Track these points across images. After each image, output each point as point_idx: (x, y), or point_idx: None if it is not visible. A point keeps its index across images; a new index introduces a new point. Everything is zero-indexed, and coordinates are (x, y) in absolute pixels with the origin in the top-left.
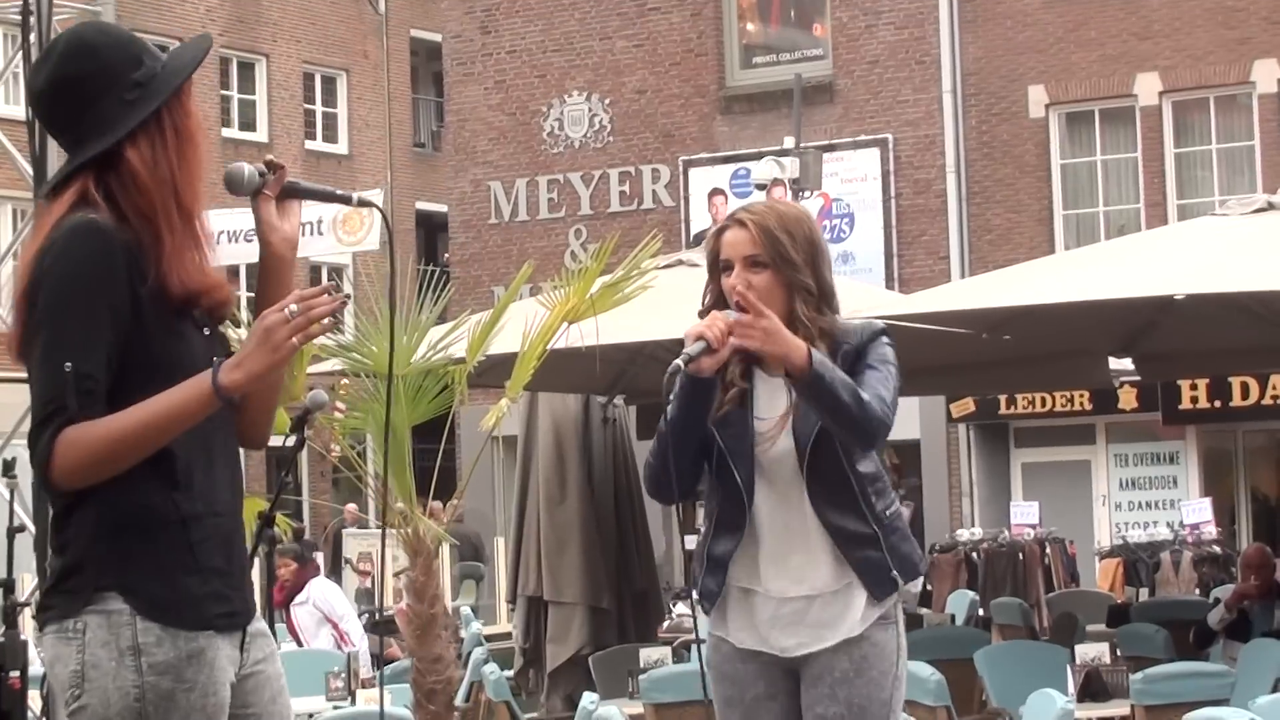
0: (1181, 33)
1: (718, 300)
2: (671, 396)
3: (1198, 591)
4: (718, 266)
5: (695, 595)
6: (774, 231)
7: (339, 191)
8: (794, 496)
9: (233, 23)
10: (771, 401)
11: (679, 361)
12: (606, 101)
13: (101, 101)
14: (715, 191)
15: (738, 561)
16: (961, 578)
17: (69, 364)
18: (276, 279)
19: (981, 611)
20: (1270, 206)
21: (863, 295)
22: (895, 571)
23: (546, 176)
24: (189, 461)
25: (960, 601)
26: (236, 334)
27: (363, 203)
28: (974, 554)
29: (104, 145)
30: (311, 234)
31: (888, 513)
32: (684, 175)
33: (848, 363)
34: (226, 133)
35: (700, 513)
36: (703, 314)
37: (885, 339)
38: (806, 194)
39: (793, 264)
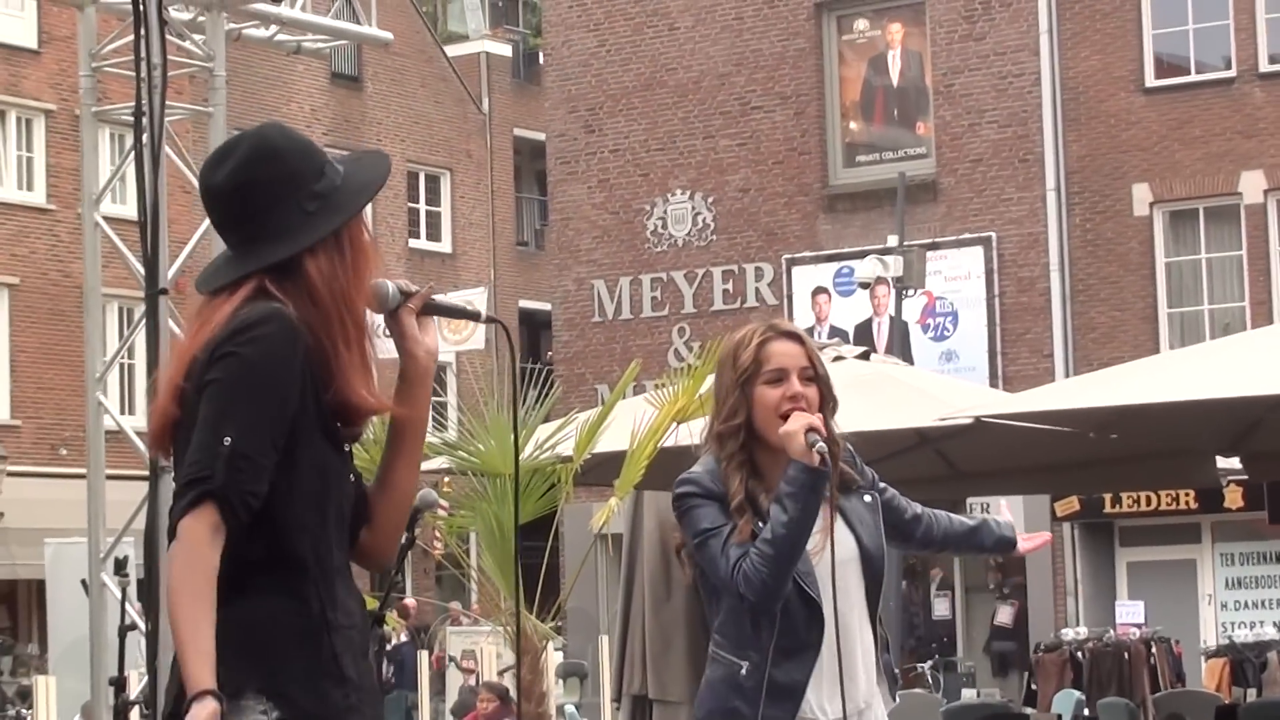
0: None
1: (749, 416)
2: (789, 497)
3: None
4: (758, 375)
5: None
6: (814, 348)
7: (470, 309)
8: (852, 611)
9: (338, 122)
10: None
11: (820, 447)
12: (710, 200)
13: (281, 207)
14: (819, 290)
15: (813, 690)
16: (1067, 677)
17: (229, 439)
18: (421, 388)
19: (1087, 711)
20: None
21: (968, 393)
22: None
23: (650, 275)
24: (331, 572)
25: (1066, 701)
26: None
27: (491, 320)
28: (1079, 653)
29: (285, 253)
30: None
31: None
32: (787, 274)
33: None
34: None
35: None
36: (725, 432)
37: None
38: (910, 292)
39: (829, 380)
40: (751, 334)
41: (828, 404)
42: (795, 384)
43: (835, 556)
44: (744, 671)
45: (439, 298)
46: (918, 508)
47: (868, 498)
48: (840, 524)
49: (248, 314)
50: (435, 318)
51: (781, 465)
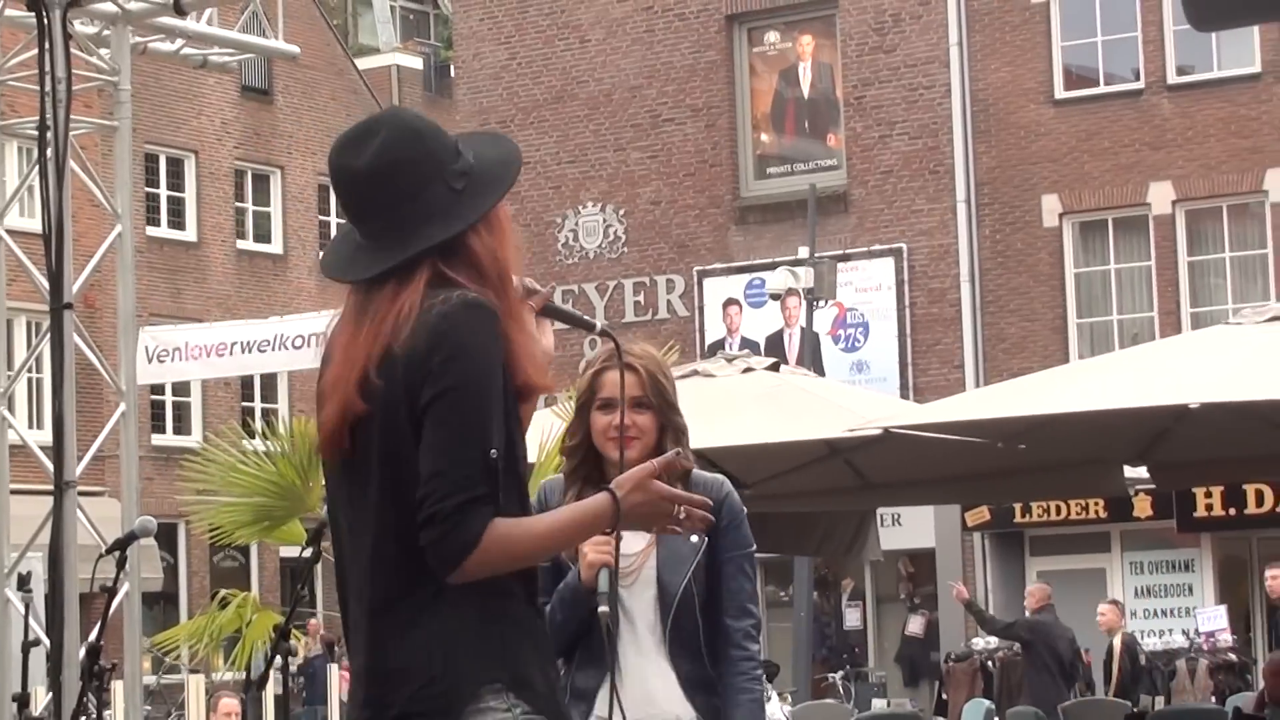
0: (1194, 142)
1: (587, 436)
2: (559, 600)
3: (1214, 699)
4: (592, 401)
5: None
6: (658, 376)
7: (587, 319)
8: (649, 640)
9: (248, 135)
10: (633, 537)
11: (602, 589)
12: (621, 212)
13: (433, 187)
14: (730, 301)
15: (601, 697)
16: (977, 686)
17: (494, 451)
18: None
19: None
20: None
21: (878, 404)
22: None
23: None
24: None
25: (976, 711)
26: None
27: (605, 333)
28: (989, 663)
29: (453, 230)
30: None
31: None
32: (699, 286)
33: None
34: (241, 244)
35: None
36: (569, 450)
37: (739, 502)
38: (821, 304)
39: (674, 407)
40: (593, 361)
41: (668, 432)
42: (625, 413)
43: (640, 581)
44: (563, 674)
45: (558, 302)
46: (732, 622)
47: (695, 538)
48: (653, 552)
49: (450, 306)
50: (552, 321)
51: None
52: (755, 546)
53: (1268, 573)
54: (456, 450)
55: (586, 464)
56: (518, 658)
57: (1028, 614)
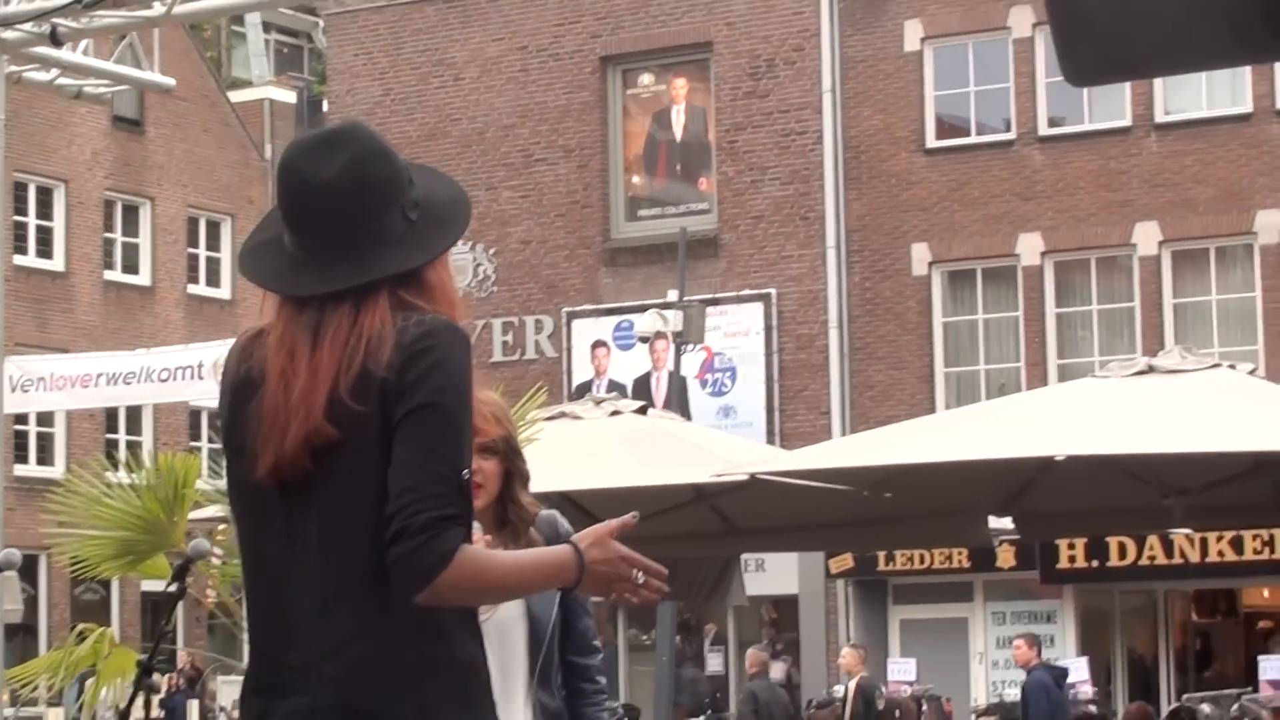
0: (1064, 194)
1: None
2: None
3: None
4: None
5: None
6: (503, 421)
7: None
8: (514, 669)
9: (119, 165)
10: None
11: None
12: (491, 251)
13: (391, 211)
14: (598, 343)
15: None
16: None
17: (466, 471)
18: None
19: None
20: (1150, 369)
21: (744, 450)
22: None
23: None
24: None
25: None
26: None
27: None
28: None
29: (415, 262)
30: (191, 378)
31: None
32: (567, 326)
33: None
34: (109, 275)
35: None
36: None
37: (570, 530)
38: (689, 347)
39: (518, 451)
40: None
41: (513, 478)
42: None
43: (501, 613)
44: None
45: None
46: (584, 660)
47: None
48: None
49: (429, 325)
50: None
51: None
52: None
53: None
54: (431, 466)
55: None
56: (480, 708)
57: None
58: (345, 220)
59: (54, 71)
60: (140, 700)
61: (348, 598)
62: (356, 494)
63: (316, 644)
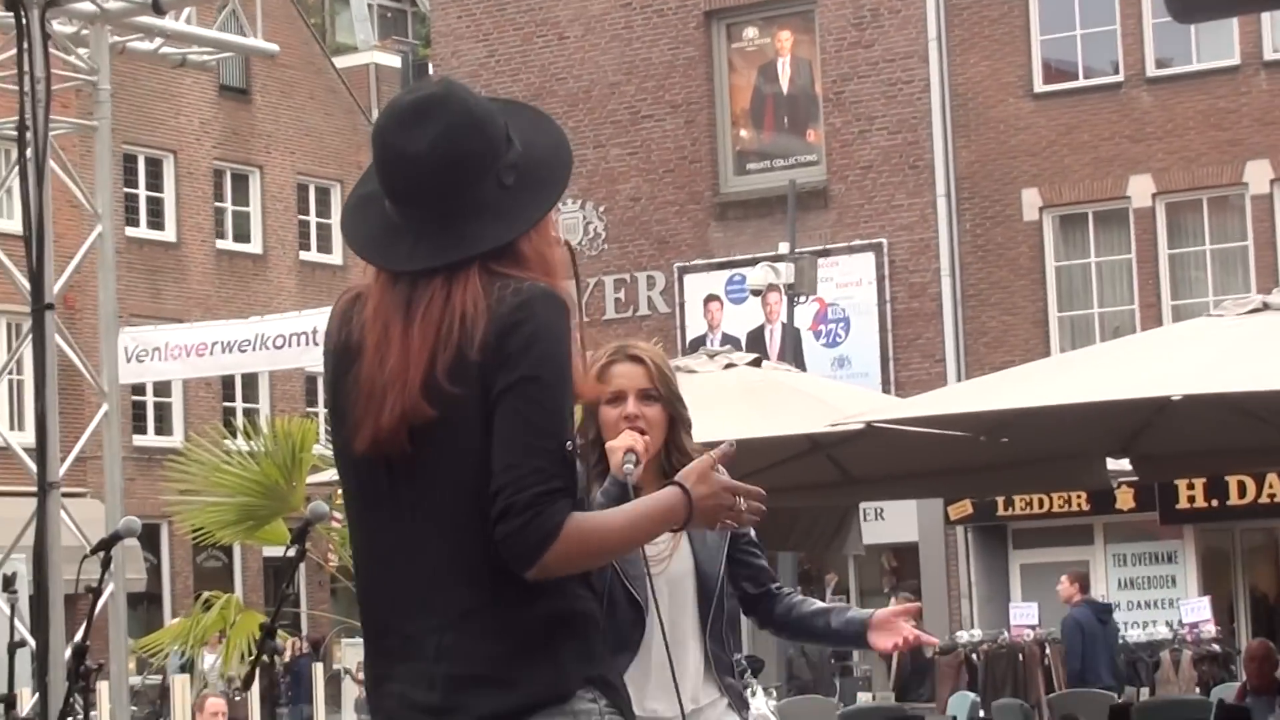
0: (1174, 135)
1: (598, 432)
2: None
3: (1198, 690)
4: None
5: None
6: (664, 369)
7: None
8: (684, 622)
9: (227, 135)
10: None
11: (628, 469)
12: (601, 209)
13: (484, 182)
14: (711, 298)
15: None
16: (962, 679)
17: (570, 444)
18: None
19: (983, 713)
20: (1265, 307)
21: (859, 399)
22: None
23: None
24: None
25: (961, 703)
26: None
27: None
28: (974, 655)
29: (506, 236)
30: (305, 344)
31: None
32: (679, 282)
33: None
34: (221, 244)
35: None
36: (581, 449)
37: None
38: (802, 299)
39: (680, 399)
40: (600, 357)
41: (677, 425)
42: (630, 405)
43: (672, 568)
44: None
45: None
46: (774, 586)
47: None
48: (684, 539)
49: (525, 295)
50: None
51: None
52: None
53: None
54: (533, 441)
55: (601, 461)
56: (601, 658)
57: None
58: (436, 193)
59: (157, 41)
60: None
61: (460, 570)
62: (459, 469)
63: (433, 614)
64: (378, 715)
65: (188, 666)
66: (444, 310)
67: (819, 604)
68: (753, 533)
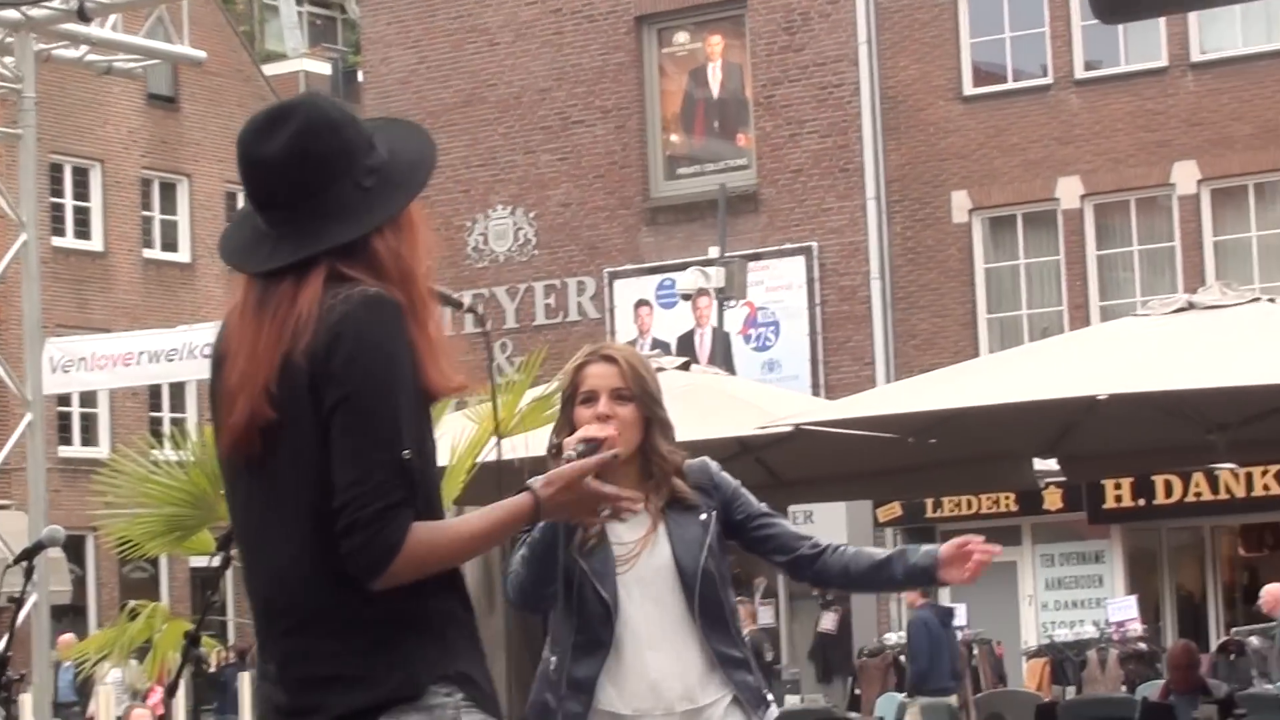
0: (1102, 136)
1: (572, 432)
2: None
3: (1124, 689)
4: (575, 398)
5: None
6: (639, 369)
7: (454, 296)
8: (666, 620)
9: (154, 144)
10: (629, 527)
11: (569, 455)
12: (531, 215)
13: (340, 183)
14: (641, 302)
15: (603, 685)
16: (890, 681)
17: (406, 451)
18: None
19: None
20: (1190, 306)
21: (788, 402)
22: (767, 692)
23: (471, 290)
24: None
25: (889, 704)
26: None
27: (471, 310)
28: (901, 657)
29: (355, 233)
30: None
31: (746, 639)
32: (609, 287)
33: (716, 503)
34: (148, 253)
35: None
36: (555, 448)
37: (729, 476)
38: (732, 303)
39: (657, 400)
40: (576, 358)
41: (653, 426)
42: (602, 404)
43: (641, 567)
44: (552, 666)
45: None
46: (808, 545)
47: (702, 515)
48: (661, 534)
49: (350, 304)
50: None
51: (607, 476)
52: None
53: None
54: (369, 455)
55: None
56: (460, 655)
57: None
58: (290, 194)
59: (83, 48)
60: (188, 671)
61: (307, 572)
62: (302, 471)
63: (283, 616)
64: (255, 711)
65: (82, 685)
66: (290, 311)
67: (872, 555)
68: (762, 505)
